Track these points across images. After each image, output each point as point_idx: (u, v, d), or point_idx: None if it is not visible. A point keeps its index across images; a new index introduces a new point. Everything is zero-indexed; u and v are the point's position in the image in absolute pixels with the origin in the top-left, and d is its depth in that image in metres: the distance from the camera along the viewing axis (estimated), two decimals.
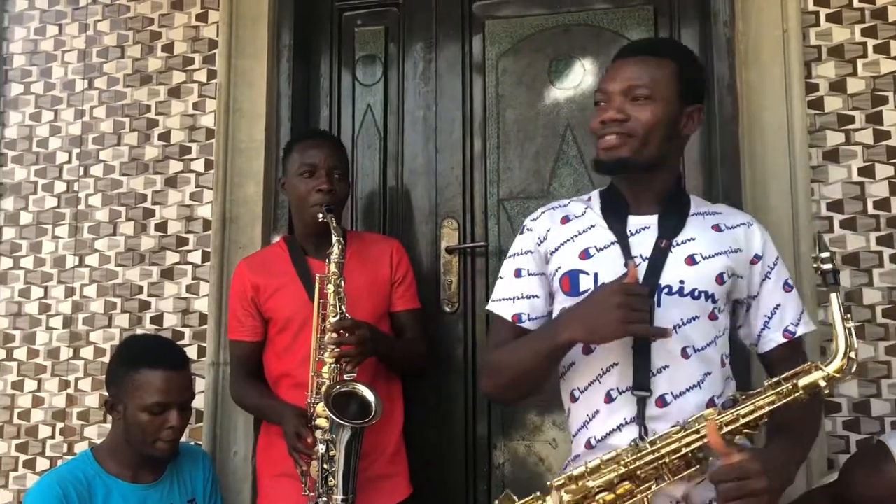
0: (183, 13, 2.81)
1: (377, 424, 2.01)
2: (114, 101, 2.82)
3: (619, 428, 1.59)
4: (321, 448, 1.99)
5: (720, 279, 1.63)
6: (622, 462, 1.49)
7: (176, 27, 2.81)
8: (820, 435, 2.17)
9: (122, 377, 2.09)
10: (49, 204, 2.83)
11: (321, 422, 2.01)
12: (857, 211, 2.27)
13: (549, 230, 1.74)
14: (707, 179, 2.46)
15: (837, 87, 2.32)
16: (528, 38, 2.66)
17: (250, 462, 2.49)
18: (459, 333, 2.57)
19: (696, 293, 1.61)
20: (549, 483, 1.53)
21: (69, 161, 2.83)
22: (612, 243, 1.66)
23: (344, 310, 2.06)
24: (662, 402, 1.58)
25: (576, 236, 1.70)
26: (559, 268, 1.69)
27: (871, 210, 2.27)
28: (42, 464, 2.71)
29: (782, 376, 1.49)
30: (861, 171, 2.28)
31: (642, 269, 1.62)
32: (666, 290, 1.61)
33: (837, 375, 1.46)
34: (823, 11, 2.35)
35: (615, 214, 1.71)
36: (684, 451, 1.48)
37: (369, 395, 2.02)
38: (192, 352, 2.59)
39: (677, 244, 1.65)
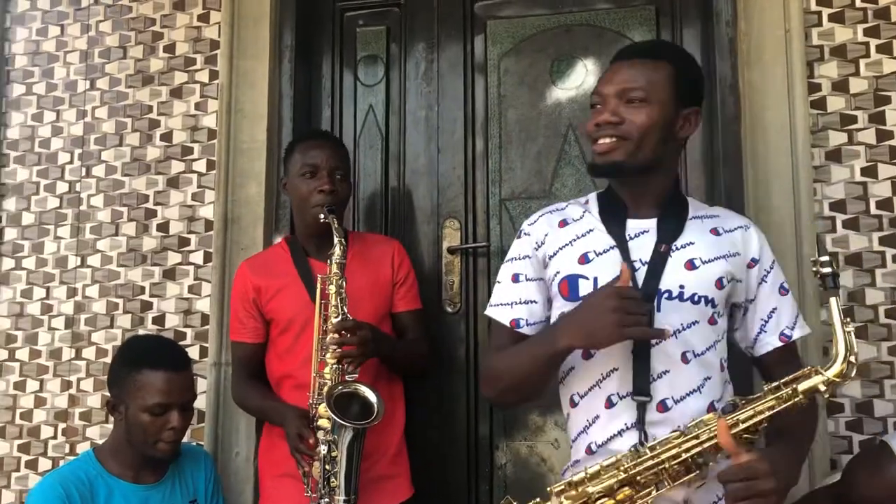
0: (185, 13, 2.81)
1: (379, 425, 2.01)
2: (116, 102, 2.83)
3: (619, 433, 1.58)
4: (323, 449, 1.99)
5: (719, 284, 1.63)
6: (622, 468, 1.48)
7: (178, 27, 2.81)
8: (822, 435, 2.17)
9: (123, 378, 2.09)
10: (51, 204, 2.83)
11: (323, 422, 2.01)
12: (859, 211, 2.27)
13: (546, 234, 1.74)
14: (709, 179, 2.45)
15: (840, 86, 2.31)
16: (529, 38, 2.66)
17: (252, 463, 2.49)
18: (461, 334, 2.56)
19: (696, 298, 1.61)
20: (548, 489, 1.53)
21: (71, 161, 2.84)
22: (612, 248, 1.65)
23: (346, 310, 2.06)
24: (663, 407, 1.57)
25: (574, 240, 1.70)
26: (558, 272, 1.68)
27: (873, 210, 2.26)
28: (44, 464, 2.71)
29: (782, 381, 1.49)
30: (864, 171, 2.28)
31: (641, 273, 1.62)
32: (666, 295, 1.60)
33: (837, 380, 1.46)
34: (826, 11, 2.34)
35: (614, 218, 1.70)
36: (684, 456, 1.47)
37: (371, 396, 2.02)
38: (193, 352, 2.59)
39: (676, 248, 1.64)
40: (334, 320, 2.04)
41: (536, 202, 2.50)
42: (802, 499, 1.91)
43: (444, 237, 2.62)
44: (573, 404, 1.67)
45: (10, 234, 2.85)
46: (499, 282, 1.79)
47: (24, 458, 2.73)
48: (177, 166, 2.75)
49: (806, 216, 2.25)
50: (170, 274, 2.71)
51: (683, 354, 1.59)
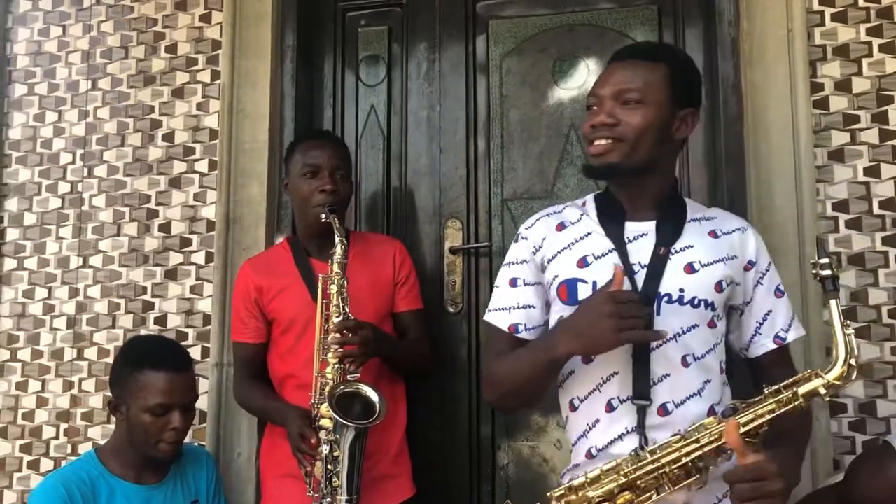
0: (186, 14, 2.81)
1: (381, 425, 2.01)
2: (117, 102, 2.83)
3: (620, 437, 1.58)
4: (325, 449, 1.99)
5: (719, 287, 1.62)
6: (622, 472, 1.48)
7: (179, 28, 2.81)
8: (826, 436, 2.17)
9: (125, 378, 2.09)
10: (53, 205, 2.83)
11: (325, 422, 2.01)
12: (862, 211, 2.26)
13: (544, 238, 1.73)
14: (712, 179, 2.45)
15: (843, 86, 2.31)
16: (531, 38, 2.66)
17: (254, 463, 2.49)
18: (463, 334, 2.56)
19: (696, 301, 1.60)
20: (548, 494, 1.54)
21: (73, 162, 2.84)
22: (610, 251, 1.65)
23: (347, 310, 2.06)
24: (664, 410, 1.57)
25: (573, 244, 1.69)
26: (556, 276, 1.68)
27: (876, 210, 2.26)
28: (46, 464, 2.71)
29: (782, 384, 1.49)
30: (866, 171, 2.27)
31: (641, 276, 1.61)
32: (666, 299, 1.60)
33: (838, 383, 1.45)
34: (828, 11, 2.34)
35: (612, 221, 1.69)
36: (685, 460, 1.47)
37: (373, 396, 2.02)
38: (195, 353, 2.59)
39: (676, 251, 1.64)
40: (336, 320, 2.04)
41: (538, 202, 2.50)
42: (805, 498, 1.91)
43: (446, 237, 2.61)
44: (573, 408, 1.67)
45: (12, 234, 2.85)
46: (497, 286, 1.79)
47: (26, 458, 2.73)
48: (178, 166, 2.75)
49: (808, 216, 2.24)
50: (171, 274, 2.70)
51: (683, 358, 1.59)
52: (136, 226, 2.75)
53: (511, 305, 1.73)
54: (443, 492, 2.47)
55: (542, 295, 1.73)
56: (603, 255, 1.65)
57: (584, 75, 2.59)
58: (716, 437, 1.47)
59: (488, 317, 1.77)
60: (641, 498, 1.49)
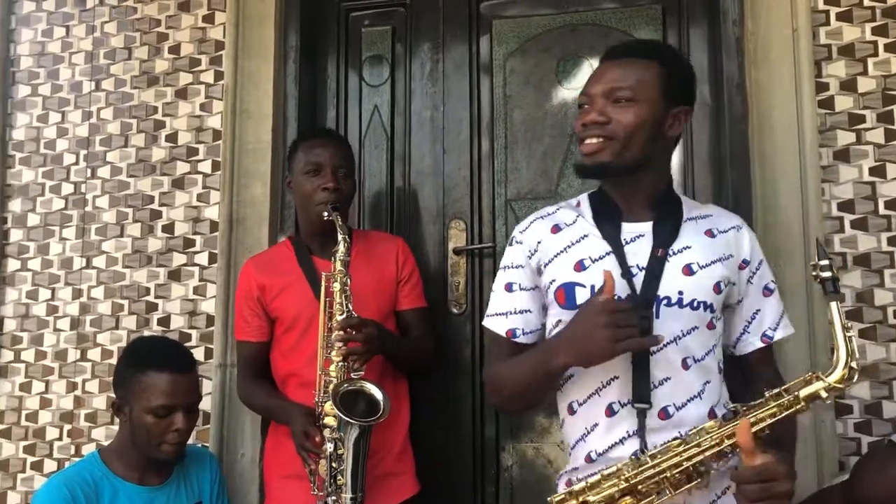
0: (190, 14, 2.81)
1: (384, 422, 2.01)
2: (121, 103, 2.83)
3: (620, 441, 1.57)
4: (329, 447, 1.98)
5: (717, 288, 1.62)
6: (623, 477, 1.48)
7: (183, 28, 2.81)
8: (831, 437, 2.17)
9: (128, 379, 2.09)
10: (56, 205, 2.83)
11: (329, 420, 2.01)
12: (868, 211, 2.25)
13: (539, 242, 1.72)
14: (717, 179, 2.44)
15: (848, 86, 2.30)
16: (535, 37, 2.65)
17: (257, 464, 2.48)
18: (467, 335, 2.56)
19: (696, 304, 1.60)
20: (549, 499, 1.53)
21: (76, 163, 2.83)
22: (608, 253, 1.63)
23: (350, 308, 2.05)
24: (665, 414, 1.57)
25: (569, 247, 1.68)
26: (553, 280, 1.66)
27: (882, 210, 2.25)
28: (50, 465, 2.71)
29: (783, 387, 1.48)
30: (872, 171, 2.26)
31: (639, 279, 1.60)
32: (665, 302, 1.59)
33: (839, 386, 1.45)
34: (833, 10, 2.33)
35: (608, 222, 1.68)
36: (686, 465, 1.47)
37: (377, 393, 2.02)
38: (199, 353, 2.59)
39: (673, 253, 1.63)
40: (339, 318, 2.04)
41: (542, 203, 2.48)
42: (810, 498, 1.90)
43: (450, 238, 2.61)
44: (571, 411, 1.66)
45: (16, 235, 2.85)
46: (493, 290, 1.78)
47: (30, 459, 2.73)
48: (182, 167, 2.74)
49: (814, 216, 2.23)
50: (175, 275, 2.70)
51: (684, 361, 1.59)
52: (140, 226, 2.75)
53: (508, 310, 1.73)
54: (446, 492, 2.46)
55: (539, 299, 1.72)
56: (600, 257, 1.63)
57: (588, 75, 2.56)
58: (717, 440, 1.47)
59: (486, 322, 1.77)
60: (643, 502, 1.48)
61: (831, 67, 2.31)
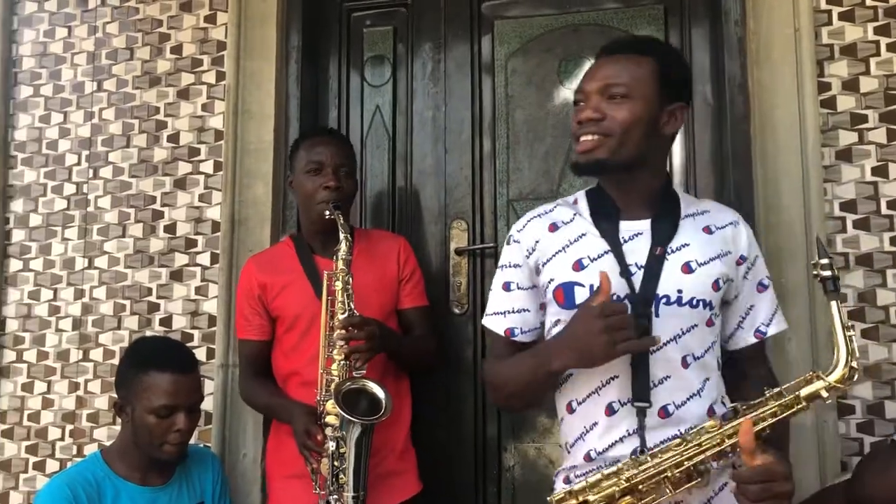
0: (191, 15, 2.81)
1: (386, 421, 2.01)
2: (123, 103, 2.83)
3: (620, 440, 1.57)
4: (331, 445, 1.98)
5: (716, 286, 1.61)
6: (623, 476, 1.47)
7: (184, 29, 2.81)
8: (833, 437, 2.16)
9: (130, 379, 2.09)
10: (58, 206, 2.83)
11: (331, 419, 2.01)
12: (870, 211, 2.25)
13: (537, 241, 1.71)
14: (719, 179, 2.44)
15: (850, 85, 2.30)
16: (537, 38, 2.65)
17: (259, 464, 2.48)
18: (469, 335, 2.56)
19: (695, 302, 1.59)
20: (549, 498, 1.53)
21: (78, 163, 2.84)
22: (606, 252, 1.63)
23: (352, 306, 2.05)
24: (665, 412, 1.56)
25: (567, 246, 1.67)
26: (552, 280, 1.66)
27: (884, 210, 2.24)
28: (52, 466, 2.71)
29: (784, 387, 1.48)
30: (874, 171, 2.26)
31: (638, 277, 1.60)
32: (664, 300, 1.58)
33: (839, 385, 1.45)
34: (836, 10, 2.33)
35: (606, 220, 1.67)
36: (687, 465, 1.46)
37: (379, 392, 2.02)
38: (201, 354, 2.59)
39: (672, 251, 1.62)
40: (341, 316, 2.04)
41: (544, 203, 2.46)
42: (813, 496, 1.90)
43: (452, 238, 2.61)
44: (570, 410, 1.66)
45: (18, 235, 2.85)
46: (492, 289, 1.78)
47: (32, 459, 2.74)
48: (184, 167, 2.75)
49: (816, 216, 2.23)
50: (177, 275, 2.70)
51: (683, 359, 1.59)
52: (142, 227, 2.75)
53: (506, 310, 1.73)
54: (448, 491, 2.46)
55: (537, 298, 1.72)
56: (599, 256, 1.63)
57: None
58: (718, 440, 1.47)
59: (485, 321, 1.77)
60: (643, 501, 1.48)
61: (833, 67, 2.31)
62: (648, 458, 1.48)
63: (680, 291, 1.59)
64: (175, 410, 2.05)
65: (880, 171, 2.25)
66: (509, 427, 2.52)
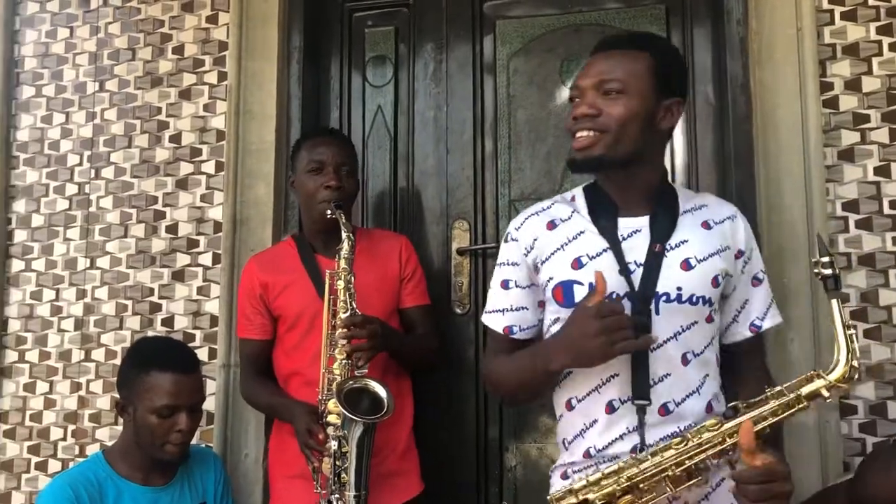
0: (193, 15, 2.81)
1: (388, 421, 2.01)
2: (124, 104, 2.83)
3: (620, 437, 1.57)
4: (333, 444, 1.98)
5: (715, 282, 1.61)
6: (623, 474, 1.47)
7: (186, 29, 2.81)
8: (835, 437, 2.16)
9: (132, 379, 2.09)
10: (60, 206, 2.83)
11: (333, 418, 2.01)
12: (872, 211, 2.24)
13: (535, 239, 1.70)
14: (721, 178, 2.44)
15: (852, 85, 2.29)
16: (539, 38, 2.65)
17: (261, 464, 2.48)
18: (470, 335, 2.55)
19: (695, 299, 1.59)
20: (548, 496, 1.53)
21: (80, 163, 2.84)
22: (605, 250, 1.62)
23: (354, 305, 2.05)
24: (665, 410, 1.56)
25: (566, 244, 1.66)
26: (551, 278, 1.65)
27: (886, 210, 2.24)
28: (54, 466, 2.71)
29: (784, 385, 1.48)
30: (877, 171, 2.25)
31: (637, 275, 1.59)
32: (664, 298, 1.58)
33: (840, 384, 1.44)
34: (838, 9, 2.32)
35: (604, 217, 1.67)
36: (688, 463, 1.46)
37: (381, 391, 2.02)
38: (202, 354, 2.59)
39: (671, 248, 1.62)
40: (343, 315, 2.04)
41: None
42: (815, 496, 1.90)
43: (454, 238, 2.61)
44: (569, 407, 1.65)
45: (20, 235, 2.85)
46: (490, 287, 1.78)
47: (34, 459, 2.74)
48: (185, 168, 2.75)
49: (818, 216, 2.23)
50: (179, 275, 2.70)
51: (683, 356, 1.59)
52: (144, 227, 2.75)
53: (505, 308, 1.73)
54: (450, 492, 2.46)
55: (536, 296, 1.72)
56: (598, 254, 1.62)
57: None
58: (719, 439, 1.46)
59: (484, 318, 1.78)
60: (643, 500, 1.48)
61: (836, 67, 2.31)
62: (649, 457, 1.48)
63: (679, 289, 1.58)
64: (177, 410, 2.05)
65: (883, 170, 2.25)
66: (511, 427, 2.52)
